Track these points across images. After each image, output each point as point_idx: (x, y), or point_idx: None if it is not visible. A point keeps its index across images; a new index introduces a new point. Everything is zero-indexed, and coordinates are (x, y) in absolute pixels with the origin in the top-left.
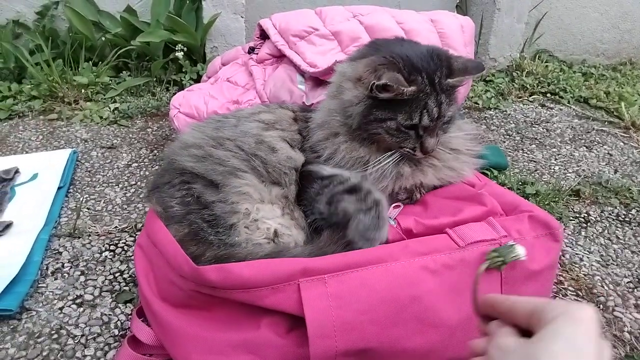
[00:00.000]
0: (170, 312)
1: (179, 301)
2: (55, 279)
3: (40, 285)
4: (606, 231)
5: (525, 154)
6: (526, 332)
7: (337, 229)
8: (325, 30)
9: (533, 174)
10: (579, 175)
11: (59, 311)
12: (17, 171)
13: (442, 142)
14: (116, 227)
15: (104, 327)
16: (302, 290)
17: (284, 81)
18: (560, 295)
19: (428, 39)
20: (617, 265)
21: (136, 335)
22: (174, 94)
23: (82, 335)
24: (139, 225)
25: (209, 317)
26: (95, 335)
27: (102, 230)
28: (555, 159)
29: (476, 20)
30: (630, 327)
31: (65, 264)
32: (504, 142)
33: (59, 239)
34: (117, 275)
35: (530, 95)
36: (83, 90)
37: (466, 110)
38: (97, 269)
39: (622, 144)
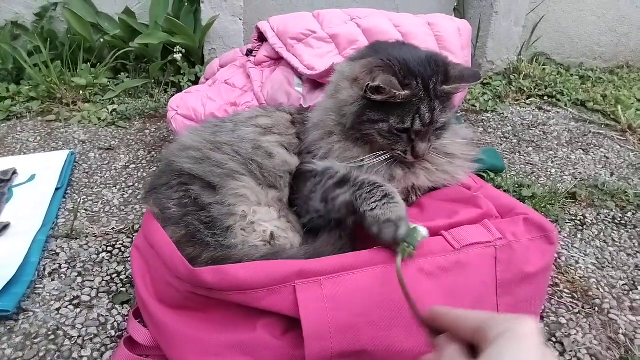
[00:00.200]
0: (166, 313)
1: (176, 302)
2: (53, 280)
3: (37, 286)
4: (602, 234)
5: (522, 157)
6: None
7: (336, 227)
8: (323, 33)
9: (530, 177)
10: (576, 178)
11: (56, 312)
12: (14, 172)
13: (437, 147)
14: (113, 228)
15: (100, 328)
16: (298, 292)
17: (282, 83)
18: (556, 298)
19: (425, 42)
20: (612, 267)
21: (132, 336)
22: (172, 95)
23: (79, 336)
24: (136, 227)
25: (205, 319)
26: (92, 336)
27: (99, 232)
28: (552, 162)
29: (474, 23)
30: (625, 329)
31: (62, 265)
32: (501, 144)
33: (56, 240)
34: (114, 276)
35: (527, 98)
36: (81, 92)
37: (463, 112)
38: (94, 270)
39: (618, 147)
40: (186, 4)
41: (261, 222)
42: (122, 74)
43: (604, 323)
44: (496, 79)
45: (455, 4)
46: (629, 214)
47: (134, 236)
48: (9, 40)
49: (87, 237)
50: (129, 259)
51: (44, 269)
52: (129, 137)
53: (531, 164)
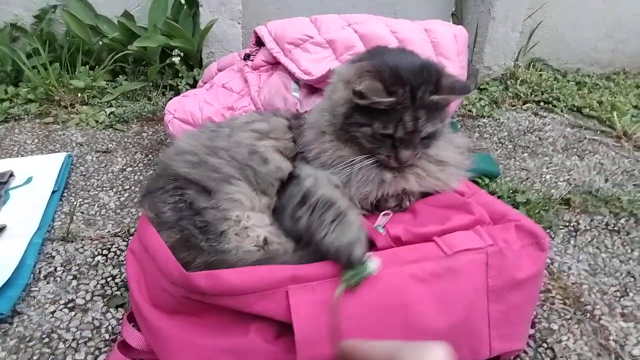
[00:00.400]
0: (160, 317)
1: (170, 307)
2: (48, 282)
3: (32, 289)
4: (595, 240)
5: (517, 162)
6: None
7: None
8: (320, 39)
9: (524, 183)
10: (570, 184)
11: (51, 315)
12: (11, 174)
13: (429, 154)
14: (109, 231)
15: (94, 331)
16: (291, 297)
17: (279, 88)
18: (548, 304)
19: (422, 48)
20: (604, 274)
21: (126, 340)
22: (170, 98)
23: (73, 340)
24: (132, 230)
25: (198, 323)
26: (86, 339)
27: (95, 235)
28: (547, 168)
29: (471, 28)
30: (616, 335)
31: (57, 268)
32: (497, 150)
33: (52, 243)
34: (109, 279)
35: (523, 104)
36: (79, 94)
37: (460, 118)
38: (89, 274)
39: (613, 153)
40: (185, 8)
41: (255, 227)
42: (121, 76)
43: (595, 329)
44: (493, 84)
45: (453, 10)
46: (622, 221)
47: (129, 239)
48: (7, 42)
49: (82, 240)
50: (124, 262)
51: (40, 272)
52: (126, 140)
53: (526, 170)
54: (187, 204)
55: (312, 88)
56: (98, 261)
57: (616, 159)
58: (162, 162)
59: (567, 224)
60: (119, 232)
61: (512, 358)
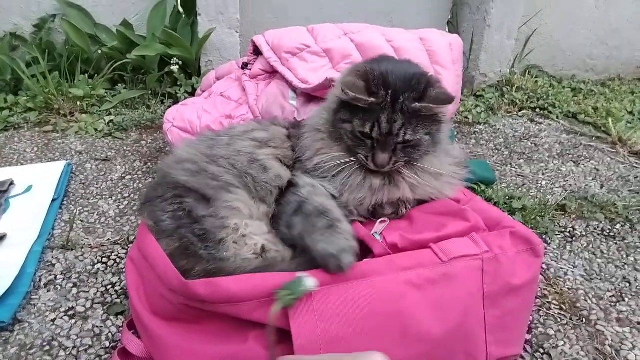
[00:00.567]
0: (160, 325)
1: (169, 314)
2: (48, 290)
3: (33, 297)
4: (591, 246)
5: (513, 169)
6: None
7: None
8: (317, 48)
9: (520, 189)
10: (566, 190)
11: (51, 323)
12: (12, 183)
13: (423, 165)
14: (109, 239)
15: (95, 339)
16: None
17: (276, 97)
18: (545, 309)
19: (417, 57)
20: (600, 279)
21: (126, 347)
22: (169, 106)
23: (74, 347)
24: (131, 238)
25: (198, 331)
26: (87, 347)
27: (94, 243)
28: (543, 174)
29: (467, 36)
30: (612, 340)
31: (58, 276)
32: (493, 156)
33: (52, 251)
34: (109, 287)
35: (519, 110)
36: (79, 103)
37: (456, 124)
38: (89, 281)
39: (609, 159)
40: (183, 17)
41: (252, 235)
42: (120, 85)
43: (591, 334)
44: (489, 91)
45: (449, 18)
46: (618, 226)
47: (129, 247)
48: (7, 51)
49: (82, 248)
50: (124, 270)
51: (40, 280)
52: (125, 148)
53: (522, 176)
54: (186, 212)
55: (310, 96)
56: (98, 269)
57: (612, 164)
58: (161, 170)
59: (563, 229)
60: (119, 240)
61: None
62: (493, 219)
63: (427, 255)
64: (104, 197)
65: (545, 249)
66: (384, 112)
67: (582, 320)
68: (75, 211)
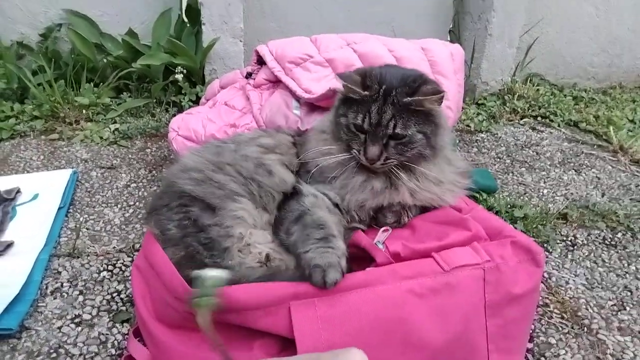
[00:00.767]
0: (165, 332)
1: (175, 322)
2: (55, 298)
3: (39, 304)
4: (592, 254)
5: (515, 177)
6: None
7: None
8: (320, 58)
9: (522, 197)
10: (567, 199)
11: (58, 330)
12: (18, 191)
13: (424, 171)
14: (114, 247)
15: (101, 346)
16: (293, 313)
17: (280, 106)
18: (546, 318)
19: (419, 66)
20: (602, 288)
21: (132, 354)
22: (174, 115)
23: (80, 354)
24: (137, 246)
25: (203, 339)
26: (93, 354)
27: (100, 251)
28: (545, 182)
29: (469, 45)
30: (613, 349)
31: (64, 284)
32: (495, 165)
33: (58, 259)
34: (114, 295)
35: (521, 119)
36: (84, 111)
37: (458, 133)
38: (95, 289)
39: (610, 167)
40: (188, 26)
41: (257, 244)
42: (125, 93)
43: (593, 343)
44: (490, 99)
45: (451, 27)
46: (619, 235)
47: (134, 255)
48: (14, 60)
49: (88, 255)
50: (129, 277)
51: (47, 288)
52: (130, 156)
53: (524, 185)
54: (191, 221)
55: (313, 106)
56: (104, 277)
57: (613, 173)
58: (167, 179)
59: (565, 238)
60: (124, 247)
61: None
62: (494, 228)
63: (429, 265)
64: (109, 205)
65: (547, 257)
66: (375, 103)
67: (583, 329)
68: (81, 219)
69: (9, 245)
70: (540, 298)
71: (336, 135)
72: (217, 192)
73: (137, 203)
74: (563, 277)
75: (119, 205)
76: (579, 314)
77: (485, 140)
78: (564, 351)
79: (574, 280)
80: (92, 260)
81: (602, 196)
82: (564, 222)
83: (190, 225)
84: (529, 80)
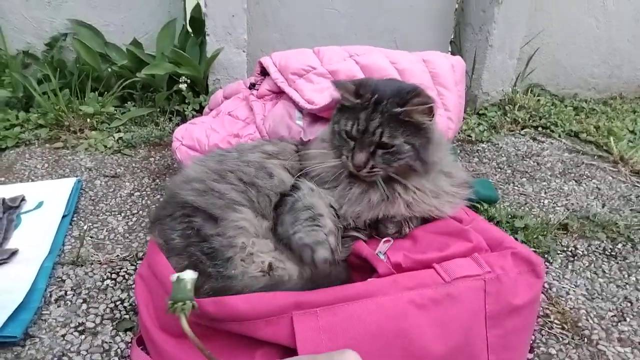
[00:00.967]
0: (168, 341)
1: (178, 331)
2: (59, 306)
3: (43, 312)
4: (592, 265)
5: (515, 187)
6: None
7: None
8: (323, 69)
9: (523, 208)
10: (568, 209)
11: (62, 338)
12: (23, 199)
13: (423, 182)
14: (118, 255)
15: (104, 354)
16: (295, 323)
17: (283, 117)
18: (547, 329)
19: (421, 78)
20: (602, 299)
21: None
22: (177, 124)
23: None
24: (140, 254)
25: (206, 347)
26: None
27: (104, 259)
28: (545, 193)
29: (470, 56)
30: None
31: (68, 292)
32: (495, 175)
33: (62, 267)
34: (118, 303)
35: (522, 129)
36: (88, 120)
37: (459, 143)
38: (98, 297)
39: (610, 178)
40: (192, 36)
41: (259, 253)
42: (129, 102)
43: (593, 354)
44: (491, 109)
45: (452, 37)
46: (619, 245)
47: (137, 264)
48: (19, 69)
49: (92, 264)
50: (133, 286)
51: (50, 296)
52: (134, 164)
53: (525, 195)
54: (194, 231)
55: (316, 117)
56: (107, 285)
57: (613, 183)
58: (170, 189)
59: (565, 248)
60: (128, 256)
61: None
62: (495, 239)
63: (430, 275)
64: (113, 213)
65: (547, 268)
66: (364, 111)
67: (583, 340)
68: (85, 227)
69: (14, 252)
70: (541, 308)
71: (334, 143)
72: (218, 203)
73: (141, 212)
74: (563, 287)
75: (122, 214)
76: (580, 324)
77: (486, 150)
78: None
79: (574, 291)
80: (95, 269)
81: (603, 207)
82: (565, 232)
83: (194, 235)
84: (529, 91)
